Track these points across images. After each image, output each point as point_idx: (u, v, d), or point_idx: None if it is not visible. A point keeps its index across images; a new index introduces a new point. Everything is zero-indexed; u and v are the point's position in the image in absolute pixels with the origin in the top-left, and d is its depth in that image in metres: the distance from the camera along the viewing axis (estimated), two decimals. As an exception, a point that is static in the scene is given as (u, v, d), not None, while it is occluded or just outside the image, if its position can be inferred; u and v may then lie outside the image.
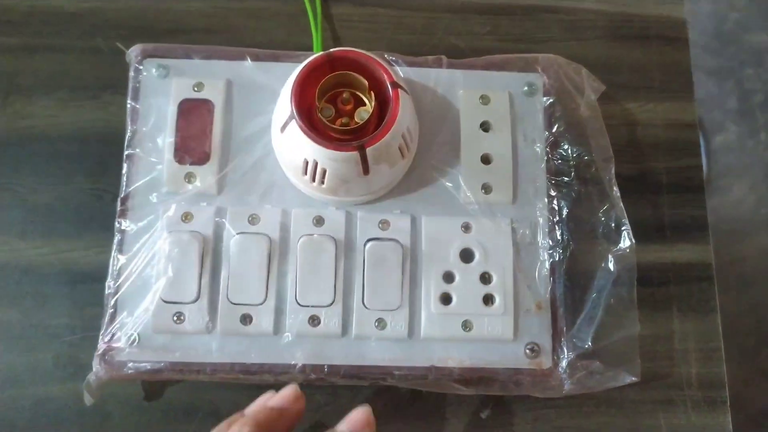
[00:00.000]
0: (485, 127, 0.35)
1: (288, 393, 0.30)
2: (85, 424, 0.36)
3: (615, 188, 0.36)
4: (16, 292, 0.37)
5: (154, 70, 0.35)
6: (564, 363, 0.34)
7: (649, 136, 0.41)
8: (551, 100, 0.36)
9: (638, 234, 0.37)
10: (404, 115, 0.30)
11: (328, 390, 0.36)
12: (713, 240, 0.39)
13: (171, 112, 0.34)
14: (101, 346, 0.33)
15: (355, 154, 0.29)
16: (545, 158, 0.35)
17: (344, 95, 0.31)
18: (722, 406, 0.38)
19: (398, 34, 0.41)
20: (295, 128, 0.30)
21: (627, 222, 0.36)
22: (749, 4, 1.35)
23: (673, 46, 0.42)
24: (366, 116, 0.30)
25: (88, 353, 0.34)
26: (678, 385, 0.38)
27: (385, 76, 0.30)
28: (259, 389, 0.36)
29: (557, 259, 0.35)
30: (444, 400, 0.37)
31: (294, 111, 0.29)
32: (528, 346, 0.33)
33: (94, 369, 0.33)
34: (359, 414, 0.29)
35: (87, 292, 0.37)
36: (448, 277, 0.34)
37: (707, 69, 1.29)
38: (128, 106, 0.35)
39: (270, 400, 0.30)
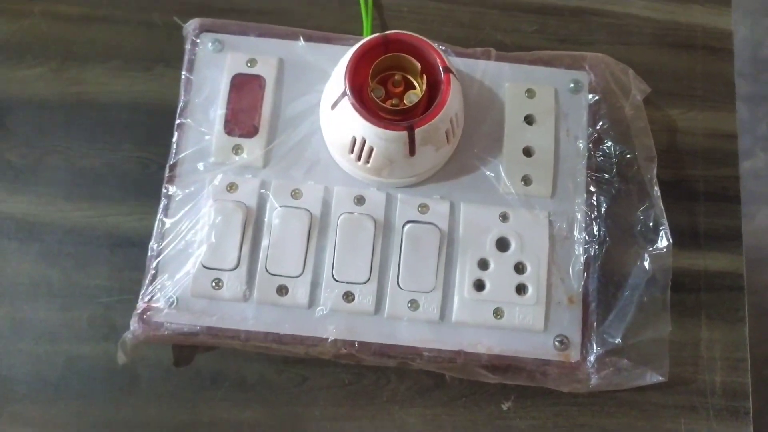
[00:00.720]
0: (529, 120, 0.36)
1: None
2: (114, 384, 0.37)
3: (656, 188, 0.36)
4: (57, 251, 0.38)
5: (210, 44, 0.36)
6: (592, 357, 0.34)
7: (689, 144, 0.41)
8: (597, 98, 0.36)
9: (672, 239, 0.37)
10: (454, 100, 0.31)
11: (354, 369, 0.37)
12: None
13: (224, 85, 0.35)
14: (140, 306, 0.34)
15: (404, 133, 0.30)
16: (587, 154, 0.36)
17: (396, 77, 0.32)
18: (745, 417, 0.38)
19: (446, 27, 0.41)
20: (346, 105, 0.30)
21: (665, 222, 0.36)
22: (788, 31, 1.34)
23: (717, 56, 0.42)
24: (416, 99, 0.31)
25: (123, 316, 0.35)
26: (701, 392, 0.38)
27: (438, 61, 0.31)
28: (287, 362, 0.37)
29: (592, 254, 0.35)
30: (466, 389, 0.37)
31: (347, 88, 0.30)
32: (557, 338, 0.34)
33: (131, 327, 0.34)
34: None
35: (126, 257, 0.38)
36: (483, 264, 0.34)
37: (740, 94, 1.27)
38: (183, 77, 0.36)
39: None
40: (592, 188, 0.36)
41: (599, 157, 0.37)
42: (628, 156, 0.37)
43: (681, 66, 0.42)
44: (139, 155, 0.40)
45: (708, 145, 0.41)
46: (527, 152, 0.36)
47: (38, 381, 0.37)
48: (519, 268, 0.34)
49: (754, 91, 1.27)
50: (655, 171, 0.36)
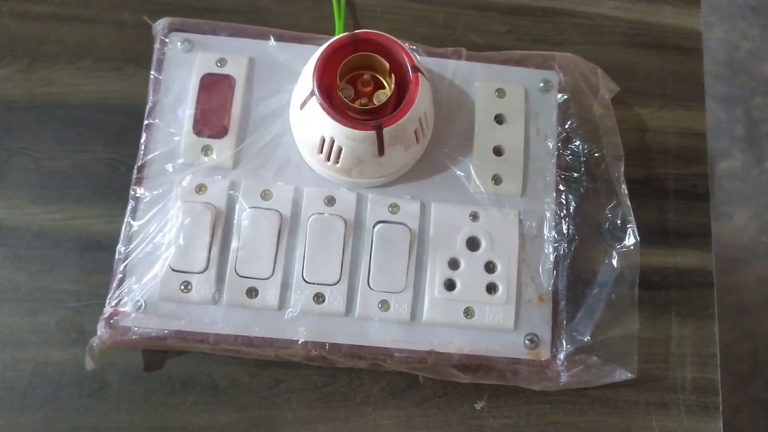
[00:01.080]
0: (499, 119, 0.36)
1: None
2: (84, 390, 0.36)
3: (623, 186, 0.36)
4: (25, 254, 0.38)
5: (179, 44, 0.36)
6: (562, 355, 0.34)
7: (659, 143, 0.42)
8: (566, 97, 0.37)
9: (642, 237, 0.37)
10: (422, 100, 0.31)
11: (326, 371, 0.36)
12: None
13: (193, 85, 0.35)
14: (107, 310, 0.33)
15: (372, 133, 0.30)
16: (556, 153, 0.36)
17: (365, 77, 0.32)
18: (715, 413, 0.38)
19: (419, 27, 0.42)
20: (315, 105, 0.30)
21: (633, 220, 0.36)
22: (762, 33, 1.36)
23: (688, 56, 0.43)
24: (384, 98, 0.31)
25: (92, 320, 0.35)
26: (672, 389, 0.38)
27: (407, 60, 0.31)
28: (259, 365, 0.37)
29: (561, 252, 0.36)
30: (440, 390, 0.37)
31: (315, 88, 0.30)
32: (528, 337, 0.34)
33: (98, 332, 0.33)
34: None
35: (95, 260, 0.37)
36: (454, 264, 0.34)
37: (716, 96, 1.30)
38: (151, 77, 0.36)
39: None
40: (561, 187, 0.36)
41: (568, 155, 0.37)
42: (597, 155, 0.37)
43: (652, 65, 0.43)
44: (109, 157, 0.39)
45: (678, 144, 0.42)
46: (497, 151, 0.36)
47: (5, 388, 0.36)
48: (489, 267, 0.34)
49: (730, 92, 1.29)
50: (622, 169, 0.37)
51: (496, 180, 0.35)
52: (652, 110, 0.42)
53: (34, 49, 0.40)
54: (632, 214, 0.36)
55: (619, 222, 0.37)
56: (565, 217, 0.36)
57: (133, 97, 0.39)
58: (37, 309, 0.37)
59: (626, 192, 0.36)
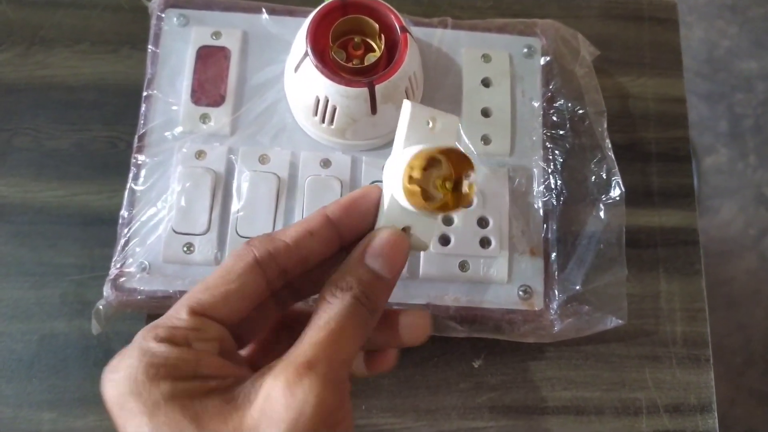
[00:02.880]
0: (486, 82, 0.37)
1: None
2: (89, 359, 0.37)
3: (607, 140, 0.38)
4: (28, 230, 0.39)
5: (174, 19, 0.37)
6: (555, 305, 0.35)
7: (640, 108, 0.43)
8: (548, 59, 0.38)
9: (628, 199, 0.39)
10: (411, 59, 0.32)
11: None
12: (703, 259, 0.41)
13: (189, 57, 0.36)
14: (113, 272, 0.34)
15: (365, 90, 0.31)
16: (542, 113, 0.38)
17: (355, 40, 0.33)
18: (705, 364, 0.39)
19: (405, 5, 0.43)
20: (309, 65, 0.32)
21: (617, 172, 0.37)
22: (740, 32, 1.39)
23: (664, 27, 0.45)
24: (375, 59, 0.32)
25: (95, 292, 0.35)
26: (664, 343, 0.39)
27: (395, 21, 0.32)
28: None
29: (551, 207, 0.37)
30: (438, 349, 0.38)
31: (309, 49, 0.31)
32: (521, 288, 0.35)
33: (104, 294, 0.34)
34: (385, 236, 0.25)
35: (97, 234, 0.38)
36: (447, 220, 0.35)
37: (699, 93, 1.32)
38: (149, 50, 0.37)
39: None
40: (548, 144, 0.38)
41: (553, 114, 0.38)
42: (580, 112, 0.38)
43: (629, 36, 0.44)
44: (108, 134, 0.40)
45: (658, 109, 0.43)
46: (485, 113, 0.37)
47: (13, 359, 0.37)
48: (482, 223, 0.35)
49: (711, 89, 1.32)
50: (605, 124, 0.38)
51: (485, 140, 0.37)
52: (632, 78, 0.44)
53: (31, 34, 0.42)
54: (617, 166, 0.38)
55: (604, 175, 0.38)
56: (552, 173, 0.37)
57: (130, 77, 0.40)
58: (41, 282, 0.38)
59: (610, 146, 0.38)
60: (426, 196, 0.24)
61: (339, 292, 0.24)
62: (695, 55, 1.34)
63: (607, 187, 0.38)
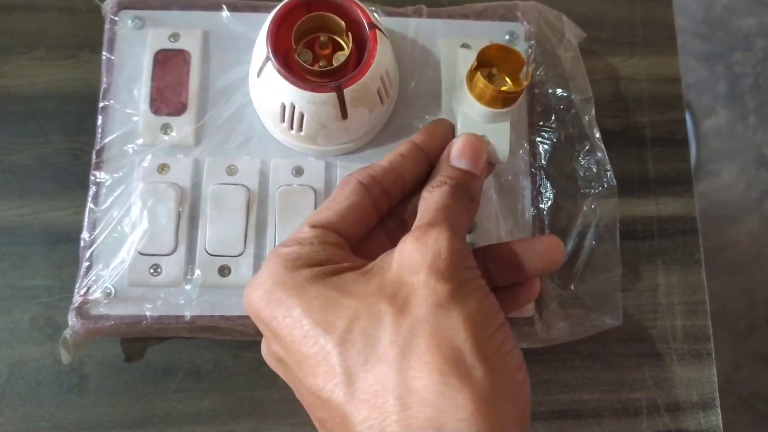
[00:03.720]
0: (466, 75, 0.35)
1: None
2: (63, 386, 0.35)
3: (595, 130, 0.35)
4: (-8, 252, 0.37)
5: (129, 22, 0.34)
6: (547, 309, 0.34)
7: (633, 91, 0.41)
8: (532, 44, 0.36)
9: (622, 187, 0.37)
10: (382, 57, 0.30)
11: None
12: (703, 225, 0.39)
13: (147, 62, 0.34)
14: (76, 300, 0.32)
15: (333, 95, 0.29)
16: (526, 104, 0.35)
17: (321, 39, 0.30)
18: (707, 359, 0.37)
19: (380, -9, 0.40)
20: (271, 70, 0.29)
21: (608, 163, 0.35)
22: (737, -12, 1.35)
23: (656, 2, 0.42)
24: (344, 59, 0.30)
25: (66, 314, 0.34)
26: (663, 339, 0.38)
27: (363, 17, 0.30)
28: (241, 347, 0.36)
29: (540, 204, 0.35)
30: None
31: (270, 52, 0.29)
32: (511, 295, 0.33)
33: (70, 323, 0.32)
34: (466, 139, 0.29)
35: (65, 253, 0.37)
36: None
37: (696, 54, 1.29)
38: (103, 57, 0.35)
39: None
40: (533, 137, 0.35)
41: (538, 105, 0.36)
42: (566, 101, 0.36)
43: (620, 14, 0.42)
44: (70, 146, 0.38)
45: (653, 91, 0.41)
46: (467, 108, 0.35)
47: (-17, 389, 0.35)
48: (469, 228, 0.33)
49: (709, 49, 1.29)
50: (593, 112, 0.36)
51: (467, 137, 0.34)
52: (624, 58, 0.41)
53: (-17, 43, 0.39)
54: (607, 157, 0.35)
55: (594, 167, 0.36)
56: (540, 167, 0.35)
57: (90, 83, 0.38)
58: (9, 307, 0.36)
59: (599, 136, 0.36)
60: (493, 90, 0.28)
61: (436, 187, 0.26)
62: (691, 15, 1.30)
63: (597, 179, 0.35)
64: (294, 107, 0.30)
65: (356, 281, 0.24)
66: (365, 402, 0.21)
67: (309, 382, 0.22)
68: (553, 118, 0.36)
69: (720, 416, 0.37)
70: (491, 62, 0.30)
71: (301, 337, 0.22)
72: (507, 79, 0.30)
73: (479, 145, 0.28)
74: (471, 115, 0.30)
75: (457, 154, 0.28)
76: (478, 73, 0.29)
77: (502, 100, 0.29)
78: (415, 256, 0.23)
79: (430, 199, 0.26)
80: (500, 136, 0.30)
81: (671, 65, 0.41)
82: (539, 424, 0.36)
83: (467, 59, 0.30)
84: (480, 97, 0.29)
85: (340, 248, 0.26)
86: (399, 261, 0.23)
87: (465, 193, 0.27)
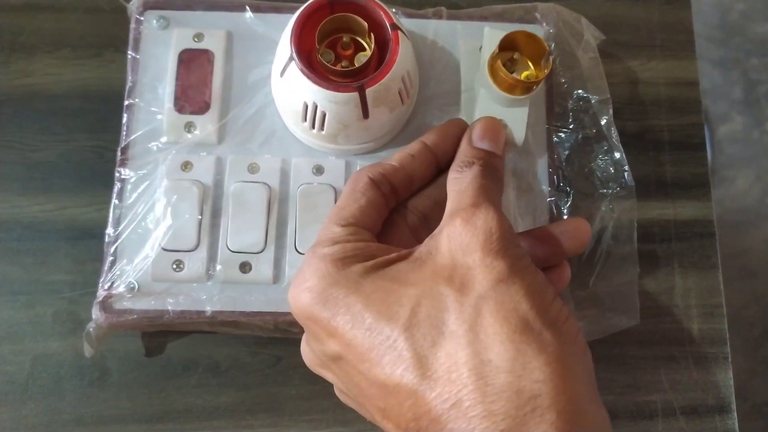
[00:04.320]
0: (485, 76, 0.35)
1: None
2: (84, 379, 0.36)
3: (613, 129, 0.36)
4: (17, 247, 0.37)
5: (154, 22, 0.35)
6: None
7: (651, 94, 0.41)
8: (551, 46, 0.36)
9: (640, 190, 0.37)
10: (404, 58, 0.30)
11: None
12: (718, 231, 0.39)
13: (171, 61, 0.34)
14: (100, 294, 0.33)
15: (355, 95, 0.29)
16: (544, 104, 0.35)
17: (344, 39, 0.31)
18: (724, 362, 0.37)
19: (399, -6, 0.41)
20: (294, 70, 0.30)
21: (626, 164, 0.35)
22: (754, -7, 1.35)
23: (674, 5, 0.42)
24: (365, 59, 0.30)
25: (88, 309, 0.34)
26: (679, 341, 0.38)
27: (385, 18, 0.30)
28: (259, 343, 0.36)
29: (557, 204, 0.35)
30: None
31: (294, 52, 0.29)
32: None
33: (93, 317, 0.33)
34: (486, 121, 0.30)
35: (88, 249, 0.37)
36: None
37: (712, 59, 1.28)
38: (129, 56, 0.35)
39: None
40: (552, 138, 0.35)
41: (557, 106, 0.36)
42: (583, 102, 0.36)
43: (638, 17, 0.42)
44: (94, 144, 0.39)
45: (670, 94, 0.41)
46: (486, 109, 0.35)
47: (6, 382, 0.36)
48: (485, 227, 0.34)
49: (725, 55, 1.28)
50: (611, 113, 0.36)
51: (486, 138, 0.34)
52: (641, 62, 0.41)
53: (10, 41, 0.40)
54: (625, 158, 0.35)
55: (612, 168, 0.36)
56: (558, 168, 0.35)
57: (114, 82, 0.39)
58: (32, 301, 0.37)
59: (617, 136, 0.36)
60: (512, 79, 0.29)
61: (465, 167, 0.27)
62: (707, 20, 1.30)
63: (615, 180, 0.36)
64: (316, 107, 0.30)
65: (410, 269, 0.24)
66: (438, 379, 0.22)
67: (374, 372, 0.23)
68: (571, 118, 0.36)
69: (736, 420, 0.37)
70: (515, 47, 0.30)
71: (364, 331, 0.23)
72: (529, 62, 0.31)
73: (498, 126, 0.29)
74: (490, 97, 0.31)
75: (478, 136, 0.29)
76: (499, 62, 0.29)
77: (522, 88, 0.30)
78: (466, 238, 0.24)
79: (463, 180, 0.26)
80: (518, 120, 0.31)
81: (689, 69, 0.41)
82: (554, 425, 0.36)
83: (493, 40, 0.30)
84: (500, 84, 0.30)
85: (374, 242, 0.26)
86: (449, 244, 0.24)
87: (494, 172, 0.27)
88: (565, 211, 0.35)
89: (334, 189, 0.33)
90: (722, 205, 1.18)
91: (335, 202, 0.33)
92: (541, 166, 0.35)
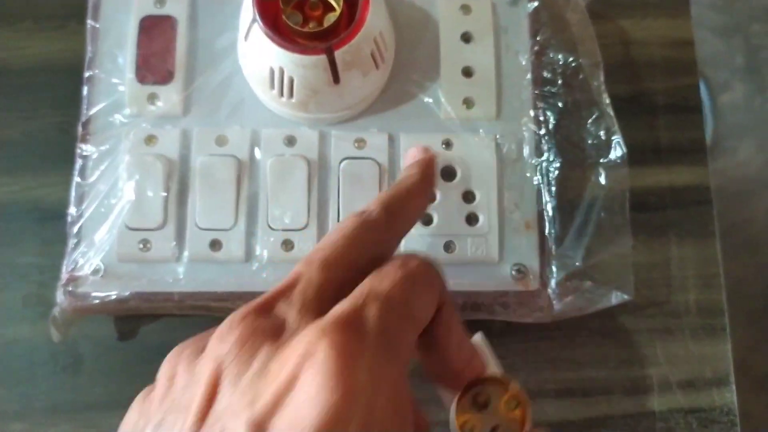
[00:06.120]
0: (466, 37, 0.33)
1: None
2: (57, 365, 0.35)
3: (605, 95, 0.34)
4: (-18, 230, 0.36)
5: (114, -13, 0.33)
6: (553, 283, 0.32)
7: (645, 55, 0.39)
8: (536, 6, 0.34)
9: (634, 157, 0.35)
10: (375, 17, 0.28)
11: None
12: (718, 202, 0.37)
13: (132, 29, 0.32)
14: (64, 276, 0.31)
15: (323, 57, 0.27)
16: (530, 69, 0.33)
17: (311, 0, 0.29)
18: (722, 334, 0.36)
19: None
20: (258, 33, 0.28)
21: (618, 131, 0.34)
22: (757, -44, 1.31)
23: (668, -41, 0.40)
24: (334, 20, 0.28)
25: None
26: (675, 313, 0.36)
27: (353, -26, 0.28)
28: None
29: (545, 174, 0.33)
30: (430, 333, 0.35)
31: (256, 13, 0.27)
32: (514, 268, 0.32)
33: (58, 300, 0.31)
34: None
35: (56, 230, 0.35)
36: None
37: (712, 27, 1.25)
38: (88, 25, 0.33)
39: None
40: (539, 104, 0.34)
41: (543, 69, 0.34)
42: (573, 65, 0.34)
43: (631, -29, 0.40)
44: (59, 120, 0.37)
45: (665, 55, 0.39)
46: (467, 72, 0.33)
47: (-24, 368, 0.35)
48: (467, 197, 0.32)
49: (726, 21, 1.25)
50: (602, 77, 0.34)
51: (468, 103, 0.33)
52: (634, 21, 0.39)
53: (-33, 15, 0.38)
54: (616, 124, 0.34)
55: (603, 135, 0.34)
56: (545, 136, 0.33)
57: (79, 54, 0.36)
58: (1, 285, 0.35)
59: (608, 102, 0.34)
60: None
61: None
62: (708, -14, 1.27)
63: (606, 148, 0.34)
64: (283, 72, 0.28)
65: None
66: None
67: None
68: (560, 83, 0.34)
69: (735, 393, 0.35)
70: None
71: None
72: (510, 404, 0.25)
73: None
74: None
75: None
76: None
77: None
78: None
79: None
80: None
81: (684, 28, 0.39)
82: (547, 402, 0.35)
83: None
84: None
85: None
86: None
87: None
88: (554, 182, 0.34)
89: (307, 161, 0.31)
90: (724, 174, 1.16)
91: (308, 174, 0.31)
92: (527, 133, 0.33)
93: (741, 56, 1.25)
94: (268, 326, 0.18)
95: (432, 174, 0.27)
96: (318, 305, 0.19)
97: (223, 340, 0.18)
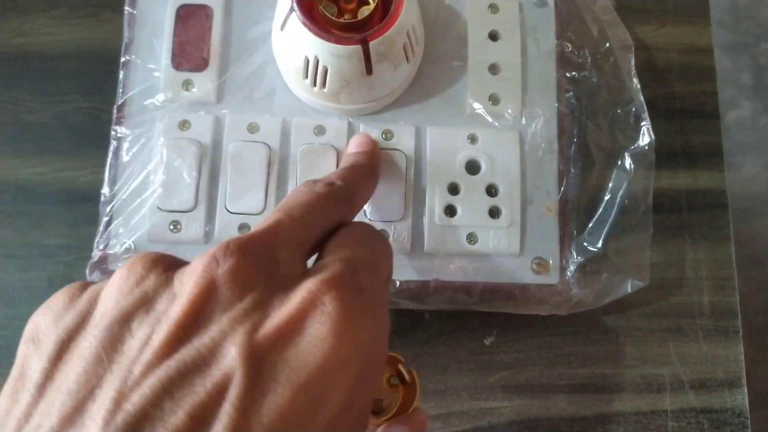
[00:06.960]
0: (493, 35, 0.34)
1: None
2: (80, 344, 0.35)
3: (635, 80, 0.34)
4: (11, 210, 0.37)
5: (152, -23, 0.34)
6: (572, 268, 0.33)
7: (663, 61, 0.39)
8: (562, 6, 0.34)
9: (651, 159, 0.36)
10: (409, 12, 0.29)
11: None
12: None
13: (168, 17, 0.33)
14: (96, 254, 0.32)
15: (358, 48, 0.28)
16: (556, 65, 0.34)
17: (347, -8, 0.30)
18: (734, 336, 0.36)
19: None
20: (295, 22, 0.29)
21: (647, 117, 0.34)
22: (765, -23, 1.32)
23: (688, -32, 0.41)
24: (368, 12, 0.29)
25: (83, 274, 0.33)
26: (689, 314, 0.37)
27: (390, -30, 0.29)
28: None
29: (570, 160, 0.33)
30: (446, 327, 0.36)
31: (294, 3, 0.28)
32: (534, 261, 0.32)
33: (87, 278, 0.32)
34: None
35: (83, 212, 0.36)
36: (453, 189, 0.32)
37: (721, 44, 1.26)
38: (125, 12, 0.34)
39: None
40: (567, 86, 0.34)
41: (572, 54, 0.34)
42: (602, 49, 0.34)
43: (651, -20, 0.40)
44: (89, 106, 0.38)
45: (683, 61, 0.40)
46: (493, 69, 0.34)
47: (1, 347, 0.35)
48: (491, 191, 0.33)
49: (734, 40, 1.26)
50: (632, 61, 0.34)
51: (494, 99, 0.33)
52: (654, 28, 0.40)
53: (4, 0, 0.39)
54: (646, 109, 0.34)
55: (631, 120, 0.34)
56: (572, 118, 0.34)
57: (110, 43, 0.38)
58: (27, 265, 0.36)
59: (638, 86, 0.34)
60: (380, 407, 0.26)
61: None
62: (717, 5, 1.28)
63: (634, 134, 0.34)
64: (318, 61, 0.29)
65: None
66: None
67: None
68: (589, 63, 0.34)
69: (746, 395, 0.36)
70: None
71: None
72: (390, 382, 0.27)
73: None
74: None
75: None
76: None
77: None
78: None
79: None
80: None
81: (703, 36, 0.40)
82: (560, 398, 0.35)
83: None
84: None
85: None
86: None
87: None
88: (578, 169, 0.34)
89: (336, 149, 0.32)
90: (729, 191, 1.17)
91: (336, 163, 0.32)
92: (552, 125, 0.33)
93: (748, 74, 1.26)
94: (262, 264, 0.19)
95: (378, 164, 0.30)
96: (303, 257, 0.21)
97: (216, 264, 0.18)
